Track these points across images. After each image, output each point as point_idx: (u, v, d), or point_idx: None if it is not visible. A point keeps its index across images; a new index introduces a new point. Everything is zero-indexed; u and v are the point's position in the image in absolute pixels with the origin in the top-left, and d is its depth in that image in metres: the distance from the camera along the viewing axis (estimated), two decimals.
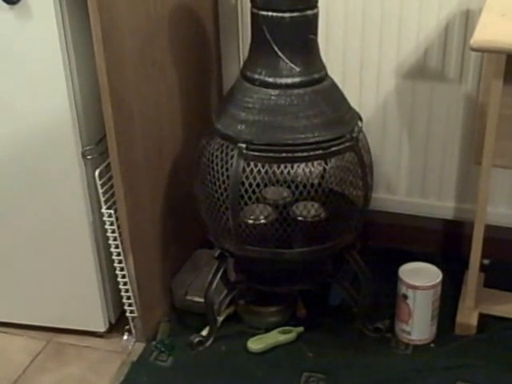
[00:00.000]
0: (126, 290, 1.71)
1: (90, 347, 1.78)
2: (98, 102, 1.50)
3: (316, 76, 1.56)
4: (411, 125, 1.90)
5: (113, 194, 1.62)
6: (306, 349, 1.73)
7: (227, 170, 1.55)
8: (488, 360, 1.67)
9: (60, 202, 1.64)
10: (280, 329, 1.77)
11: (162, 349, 1.74)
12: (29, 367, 1.73)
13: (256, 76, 1.55)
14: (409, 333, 1.73)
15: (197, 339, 1.73)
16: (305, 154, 1.53)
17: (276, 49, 1.51)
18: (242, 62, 1.83)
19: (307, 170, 1.57)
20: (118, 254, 1.67)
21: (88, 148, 1.59)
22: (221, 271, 1.71)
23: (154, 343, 1.76)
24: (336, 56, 1.84)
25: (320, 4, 1.52)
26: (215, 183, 1.58)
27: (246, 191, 1.54)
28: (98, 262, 1.72)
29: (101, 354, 1.77)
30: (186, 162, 1.76)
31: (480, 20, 1.51)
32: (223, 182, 1.56)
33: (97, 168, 1.60)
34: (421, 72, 1.83)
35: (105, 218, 1.63)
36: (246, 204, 1.58)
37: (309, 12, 1.50)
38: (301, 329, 1.77)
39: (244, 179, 1.53)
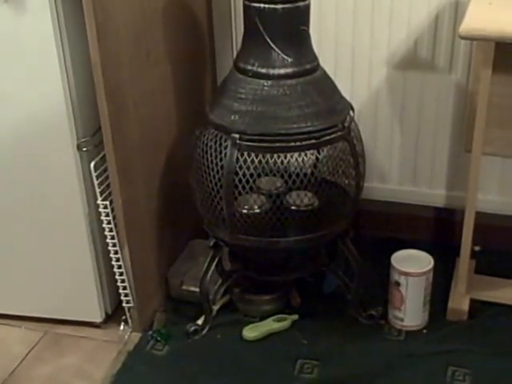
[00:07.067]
0: (122, 281, 1.72)
1: (87, 337, 1.79)
2: (92, 94, 1.51)
3: (308, 66, 1.57)
4: (402, 114, 1.91)
5: (108, 186, 1.63)
6: (300, 336, 1.74)
7: (221, 160, 1.56)
8: (479, 345, 1.69)
9: (56, 195, 1.65)
10: (275, 317, 1.78)
11: (158, 338, 1.75)
12: (26, 358, 1.74)
13: (249, 67, 1.56)
14: (401, 319, 1.75)
15: (192, 328, 1.74)
16: (298, 143, 1.54)
17: (268, 40, 1.52)
18: (235, 54, 1.83)
19: (300, 160, 1.59)
20: (114, 245, 1.68)
21: (83, 140, 1.60)
22: (216, 261, 1.72)
23: (150, 333, 1.77)
24: (328, 47, 1.85)
25: None
26: (209, 173, 1.59)
27: (240, 181, 1.55)
28: (94, 253, 1.73)
29: (97, 344, 1.78)
30: (181, 153, 1.77)
31: (468, 9, 1.53)
32: (217, 172, 1.57)
33: (92, 160, 1.61)
34: (411, 62, 1.84)
35: (100, 210, 1.64)
36: (239, 194, 1.59)
37: (301, 3, 1.51)
38: (295, 316, 1.79)
39: (238, 169, 1.55)
